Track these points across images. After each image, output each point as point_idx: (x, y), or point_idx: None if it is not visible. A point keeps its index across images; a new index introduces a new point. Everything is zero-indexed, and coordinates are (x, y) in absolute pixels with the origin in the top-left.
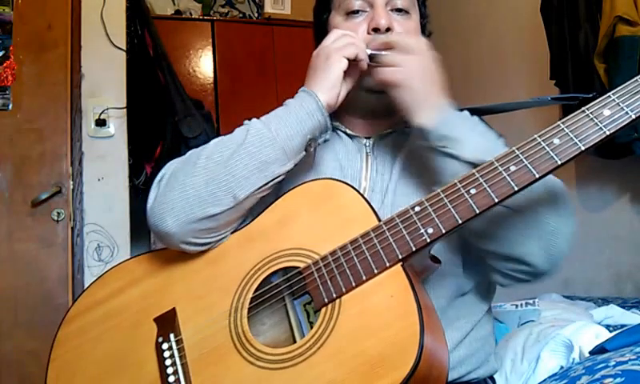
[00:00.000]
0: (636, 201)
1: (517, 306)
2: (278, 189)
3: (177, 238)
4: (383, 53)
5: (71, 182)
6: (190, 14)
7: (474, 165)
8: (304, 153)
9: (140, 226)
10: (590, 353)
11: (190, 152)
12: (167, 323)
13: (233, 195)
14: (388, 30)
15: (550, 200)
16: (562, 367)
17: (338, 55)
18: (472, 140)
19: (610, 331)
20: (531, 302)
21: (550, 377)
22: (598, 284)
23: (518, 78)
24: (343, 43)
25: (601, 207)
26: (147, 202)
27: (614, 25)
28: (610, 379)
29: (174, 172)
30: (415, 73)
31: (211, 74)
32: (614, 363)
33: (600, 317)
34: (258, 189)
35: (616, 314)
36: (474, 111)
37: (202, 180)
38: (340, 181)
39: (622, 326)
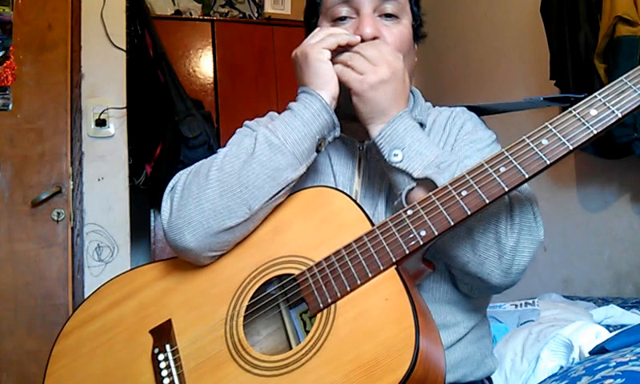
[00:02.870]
0: (636, 201)
1: (516, 305)
2: None
3: (196, 252)
4: (346, 54)
5: (71, 182)
6: (190, 14)
7: (413, 177)
8: (315, 154)
9: (140, 226)
10: (590, 353)
11: (199, 163)
12: (163, 334)
13: (248, 206)
14: (375, 38)
15: (514, 215)
16: (561, 367)
17: (316, 49)
18: (413, 150)
19: (610, 331)
20: (531, 301)
21: (549, 377)
22: (598, 284)
23: (517, 77)
24: (319, 37)
25: (601, 207)
26: (162, 215)
27: (614, 25)
28: (611, 380)
29: (187, 185)
30: (371, 84)
31: (211, 74)
32: (614, 364)
33: (600, 317)
34: (272, 197)
35: (616, 314)
36: (467, 109)
37: (216, 193)
38: (333, 188)
39: (622, 326)
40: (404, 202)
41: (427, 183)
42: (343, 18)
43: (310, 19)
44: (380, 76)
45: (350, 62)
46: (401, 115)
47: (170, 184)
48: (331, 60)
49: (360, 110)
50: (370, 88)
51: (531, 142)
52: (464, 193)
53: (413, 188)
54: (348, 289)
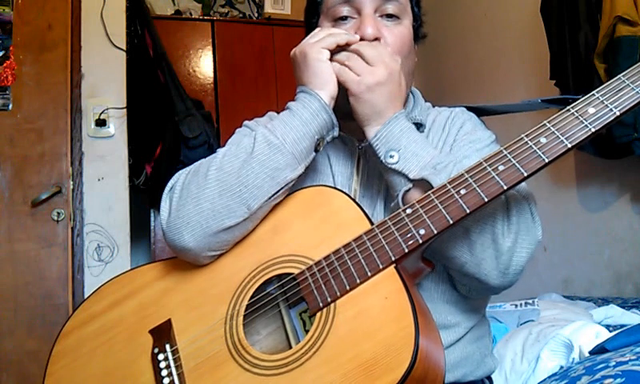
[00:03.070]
0: (636, 201)
1: (516, 305)
2: None
3: (195, 252)
4: (343, 53)
5: (71, 182)
6: (190, 14)
7: (409, 178)
8: (314, 154)
9: (140, 226)
10: (590, 353)
11: (198, 163)
12: (163, 334)
13: (247, 206)
14: (376, 39)
15: (511, 215)
16: (561, 367)
17: (315, 48)
18: (409, 151)
19: (610, 331)
20: (531, 301)
21: (549, 377)
22: (598, 284)
23: (517, 77)
24: (319, 37)
25: (601, 207)
26: (161, 215)
27: (614, 25)
28: (611, 379)
29: (186, 184)
30: (368, 85)
31: (211, 74)
32: (614, 363)
33: (600, 317)
34: (271, 197)
35: (616, 314)
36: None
37: (215, 192)
38: (332, 187)
39: (622, 326)
40: (400, 203)
41: (423, 184)
42: (344, 18)
43: (311, 19)
44: (377, 77)
45: (348, 61)
46: (396, 117)
47: (169, 184)
48: (330, 59)
49: (357, 110)
50: (367, 89)
51: (530, 140)
52: (463, 191)
53: (409, 189)
54: (347, 288)
